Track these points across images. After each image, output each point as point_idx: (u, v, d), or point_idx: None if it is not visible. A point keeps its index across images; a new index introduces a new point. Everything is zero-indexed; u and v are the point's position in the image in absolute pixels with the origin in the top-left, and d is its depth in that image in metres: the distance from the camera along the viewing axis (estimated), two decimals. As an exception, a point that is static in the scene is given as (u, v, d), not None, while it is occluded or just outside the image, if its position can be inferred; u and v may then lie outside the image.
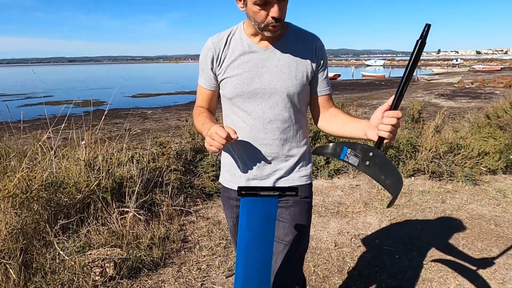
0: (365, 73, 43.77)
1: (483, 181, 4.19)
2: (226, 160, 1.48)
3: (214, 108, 1.49)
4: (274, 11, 1.18)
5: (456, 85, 24.57)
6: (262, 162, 1.39)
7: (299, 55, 1.34)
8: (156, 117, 14.21)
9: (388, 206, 1.12)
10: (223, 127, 1.16)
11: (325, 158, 4.51)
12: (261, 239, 1.14)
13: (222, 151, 1.50)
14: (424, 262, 2.59)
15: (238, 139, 1.30)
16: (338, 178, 4.37)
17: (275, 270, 1.37)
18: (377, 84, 28.05)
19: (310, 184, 1.46)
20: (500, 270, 2.49)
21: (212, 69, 1.37)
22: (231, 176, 1.46)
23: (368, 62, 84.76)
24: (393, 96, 1.11)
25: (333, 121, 1.38)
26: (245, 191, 1.11)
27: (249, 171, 1.41)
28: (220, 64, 1.35)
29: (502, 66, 52.07)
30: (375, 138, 1.15)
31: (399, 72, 47.17)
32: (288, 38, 1.34)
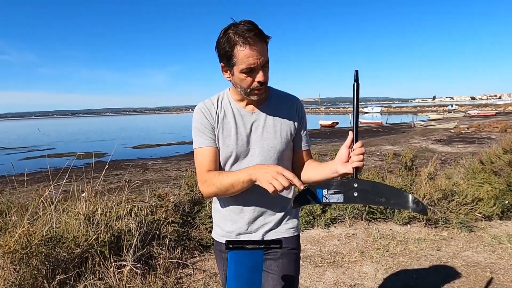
0: (363, 120, 44.54)
1: (478, 228, 4.23)
2: (217, 215, 1.57)
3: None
4: (259, 76, 1.33)
5: (452, 131, 24.95)
6: (251, 217, 1.48)
7: (282, 116, 1.49)
8: (157, 167, 14.34)
9: (425, 214, 1.33)
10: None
11: (321, 207, 4.57)
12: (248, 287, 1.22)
13: (213, 206, 1.60)
14: (420, 312, 2.59)
15: (229, 197, 1.43)
16: (335, 227, 4.40)
17: None
18: (374, 131, 28.48)
19: (298, 236, 1.55)
20: (496, 319, 2.49)
21: (212, 127, 1.44)
22: (222, 230, 1.55)
23: (365, 110, 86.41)
24: (351, 132, 1.27)
25: (307, 169, 1.52)
26: (232, 245, 1.20)
27: (239, 226, 1.50)
28: (216, 121, 1.45)
29: (497, 111, 53.09)
30: (347, 171, 1.27)
31: (397, 119, 48.05)
32: (271, 100, 1.50)
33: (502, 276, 3.09)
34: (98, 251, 2.92)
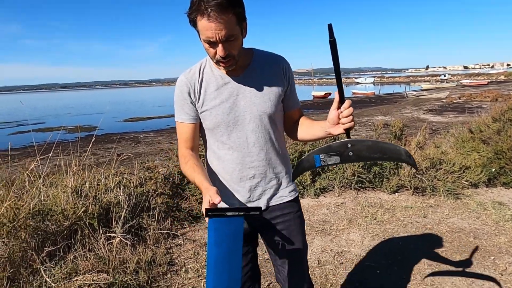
0: (355, 91, 44.44)
1: (464, 195, 4.30)
2: (219, 187, 1.55)
3: (197, 144, 1.51)
4: (219, 50, 1.25)
5: (444, 100, 25.02)
6: (252, 184, 1.49)
7: (268, 78, 1.44)
8: (148, 140, 14.28)
9: (416, 168, 1.34)
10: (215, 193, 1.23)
11: (310, 177, 4.61)
12: (228, 254, 1.23)
13: (212, 178, 1.55)
14: (404, 277, 2.66)
15: (226, 166, 1.46)
16: (324, 196, 4.45)
17: (288, 277, 1.56)
18: (367, 102, 28.47)
19: (298, 196, 1.60)
20: (477, 282, 2.57)
21: (191, 102, 1.42)
22: (224, 204, 1.51)
23: (358, 80, 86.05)
24: (336, 93, 1.25)
25: (301, 129, 1.50)
26: (212, 212, 1.20)
27: (241, 195, 1.50)
28: (198, 97, 1.41)
29: (489, 80, 53.13)
30: (339, 132, 1.28)
31: (389, 89, 47.94)
32: (254, 63, 1.44)
33: (485, 240, 3.17)
34: (87, 223, 2.93)
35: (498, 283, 2.53)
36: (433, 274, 2.68)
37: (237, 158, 1.45)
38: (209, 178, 1.37)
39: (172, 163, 4.37)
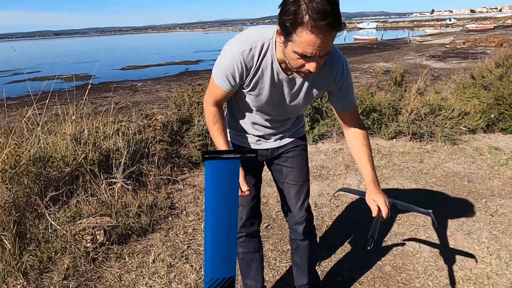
0: (357, 37, 43.13)
1: (462, 140, 4.33)
2: (230, 134, 1.70)
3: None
4: (311, 66, 1.16)
5: (448, 46, 24.39)
6: (267, 133, 1.62)
7: (318, 82, 1.40)
8: (146, 89, 14.11)
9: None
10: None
11: (309, 123, 4.61)
12: (226, 197, 1.26)
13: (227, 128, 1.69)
14: (398, 218, 2.76)
15: (246, 120, 1.58)
16: (322, 143, 4.49)
17: (298, 202, 1.72)
18: (369, 48, 27.77)
19: (305, 133, 1.79)
20: (468, 223, 2.66)
21: (239, 81, 1.36)
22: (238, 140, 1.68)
23: (360, 25, 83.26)
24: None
25: (352, 150, 1.53)
26: (208, 155, 1.21)
27: (252, 138, 1.64)
28: (248, 82, 1.37)
29: (496, 25, 51.43)
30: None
31: (392, 35, 46.54)
32: None
33: (479, 184, 3.24)
34: (88, 170, 2.97)
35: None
36: (426, 216, 2.76)
37: (259, 120, 1.55)
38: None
39: (170, 111, 4.36)
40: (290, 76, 1.35)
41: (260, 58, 1.31)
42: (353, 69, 14.97)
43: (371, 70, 14.42)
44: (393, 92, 5.27)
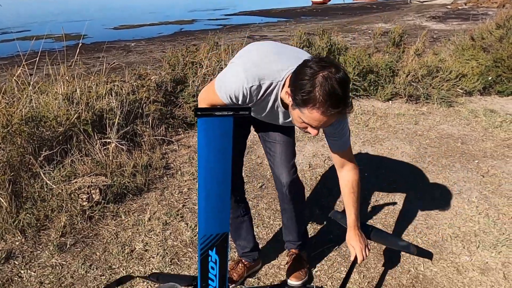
0: (357, -3, 41.83)
1: (458, 103, 4.32)
2: None
3: None
4: (314, 132, 1.26)
5: (449, 7, 23.78)
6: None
7: None
8: (140, 49, 13.76)
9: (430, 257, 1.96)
10: None
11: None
12: (219, 155, 1.26)
13: None
14: (391, 179, 2.79)
15: None
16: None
17: (283, 161, 1.73)
18: (368, 8, 27.05)
19: None
20: (459, 183, 2.71)
21: (240, 103, 1.41)
22: None
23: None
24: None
25: (342, 193, 1.64)
26: (201, 112, 1.20)
27: None
28: (250, 104, 1.42)
29: (499, -15, 49.89)
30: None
31: (392, -6, 45.03)
32: None
33: (472, 146, 3.27)
34: (82, 129, 2.95)
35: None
36: (418, 176, 2.81)
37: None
38: None
39: (164, 71, 4.27)
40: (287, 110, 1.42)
41: (266, 94, 1.39)
42: (351, 30, 14.64)
43: (369, 31, 14.11)
44: (391, 54, 5.19)
